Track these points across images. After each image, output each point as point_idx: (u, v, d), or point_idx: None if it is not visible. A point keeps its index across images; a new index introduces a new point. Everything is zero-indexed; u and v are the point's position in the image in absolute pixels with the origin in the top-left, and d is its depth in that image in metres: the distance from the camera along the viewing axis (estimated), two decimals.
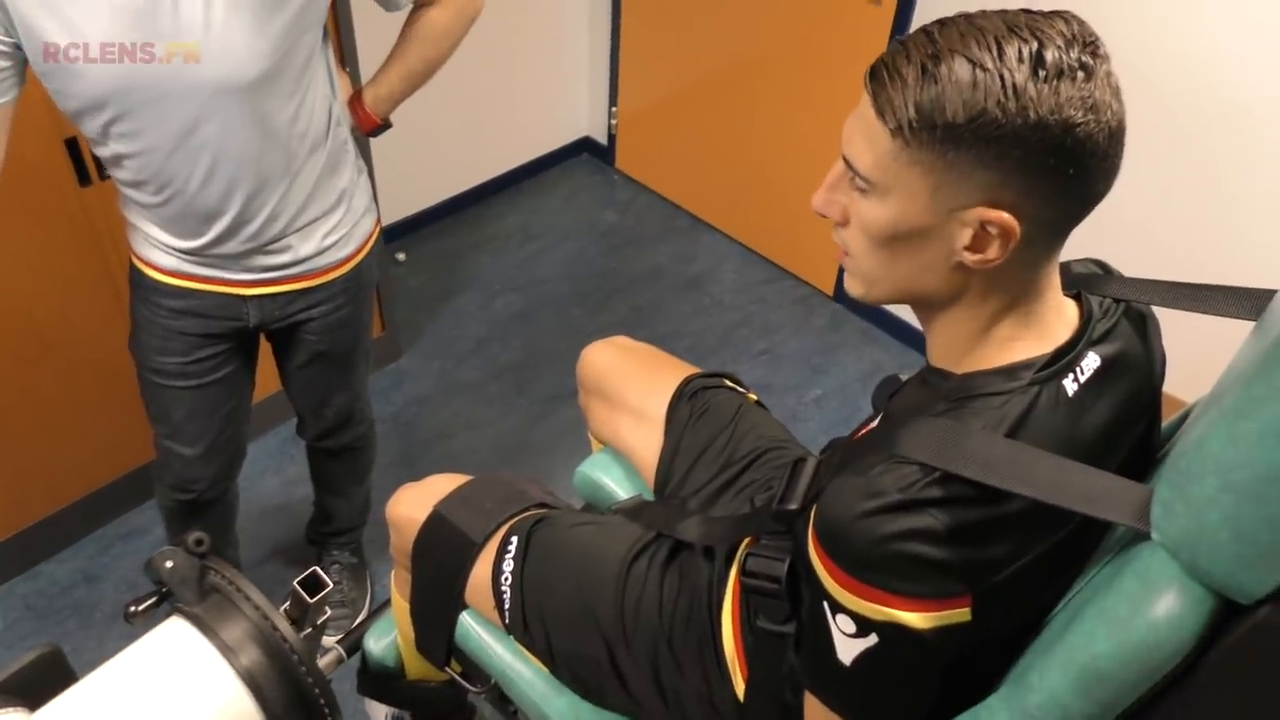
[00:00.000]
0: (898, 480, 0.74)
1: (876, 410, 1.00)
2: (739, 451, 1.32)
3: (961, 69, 0.69)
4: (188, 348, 1.46)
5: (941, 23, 0.74)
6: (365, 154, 2.06)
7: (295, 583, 0.91)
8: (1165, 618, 0.64)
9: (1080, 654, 0.68)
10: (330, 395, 1.68)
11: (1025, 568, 0.77)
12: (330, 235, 1.44)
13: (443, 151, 2.91)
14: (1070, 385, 0.79)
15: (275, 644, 0.92)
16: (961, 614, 0.75)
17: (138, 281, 1.45)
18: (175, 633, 0.93)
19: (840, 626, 0.79)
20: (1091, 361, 0.81)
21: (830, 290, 2.84)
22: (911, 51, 0.72)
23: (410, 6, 1.41)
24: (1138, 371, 0.86)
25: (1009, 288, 0.79)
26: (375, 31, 1.71)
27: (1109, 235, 2.11)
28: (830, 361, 2.65)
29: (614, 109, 3.21)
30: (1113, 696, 0.67)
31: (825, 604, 0.80)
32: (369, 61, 1.78)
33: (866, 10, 2.37)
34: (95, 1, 1.12)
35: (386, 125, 1.53)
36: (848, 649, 0.79)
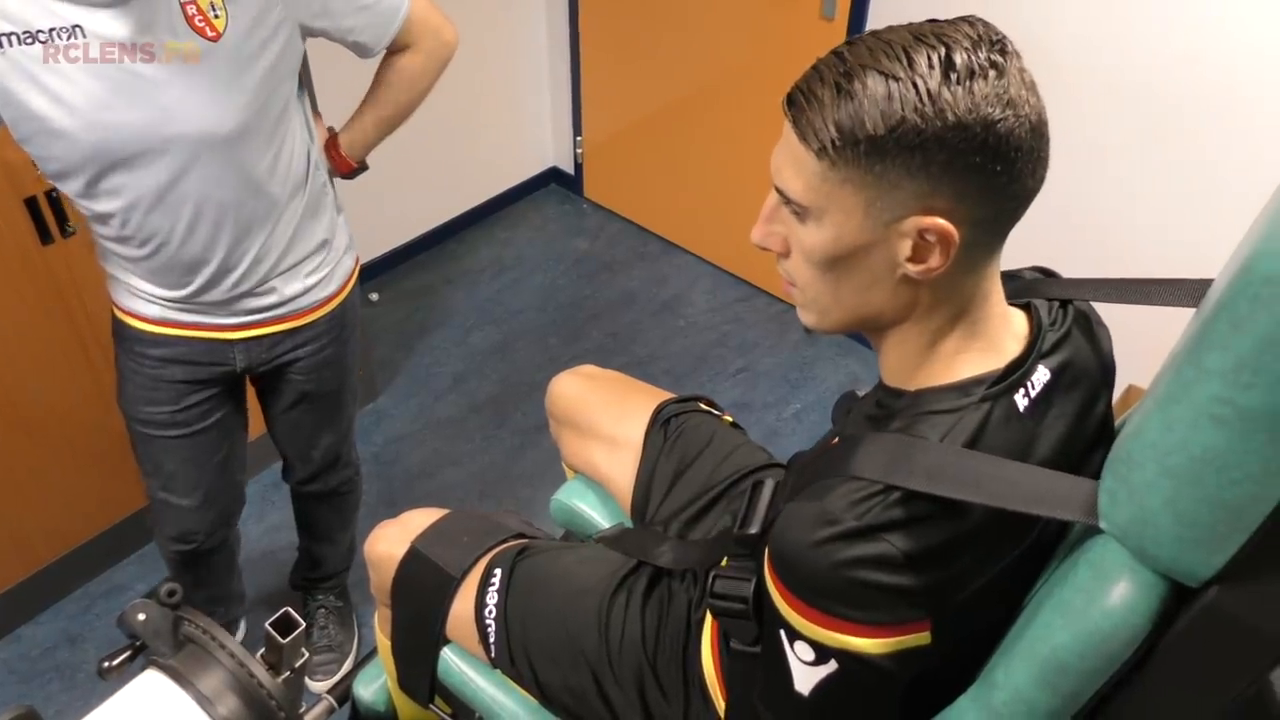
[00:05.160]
0: (851, 505, 0.73)
1: (836, 426, 1.00)
2: (716, 476, 1.32)
3: (875, 82, 0.70)
4: (175, 396, 1.46)
5: (850, 42, 0.74)
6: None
7: (267, 624, 0.90)
8: (1120, 605, 0.65)
9: (1041, 647, 0.69)
10: (318, 436, 1.68)
11: (985, 585, 0.76)
12: (313, 275, 1.46)
13: (411, 189, 2.93)
14: (1021, 400, 0.79)
15: (253, 691, 0.92)
16: (921, 638, 0.74)
17: (121, 333, 1.45)
18: (152, 686, 0.93)
19: (799, 654, 0.78)
20: (1041, 375, 0.81)
21: None
22: (825, 73, 0.73)
23: (383, 53, 1.43)
24: (1090, 378, 0.86)
25: (955, 296, 0.78)
26: (336, 77, 1.72)
27: (1058, 232, 2.15)
28: (807, 376, 2.67)
29: (579, 138, 3.24)
30: (1075, 687, 0.68)
31: (782, 631, 0.79)
32: (328, 105, 1.80)
33: (819, 25, 2.41)
34: (79, 73, 1.13)
35: (363, 168, 1.56)
36: (806, 678, 0.78)
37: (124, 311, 1.42)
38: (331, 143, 1.50)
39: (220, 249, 1.32)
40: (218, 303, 1.39)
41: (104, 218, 1.27)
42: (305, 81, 1.98)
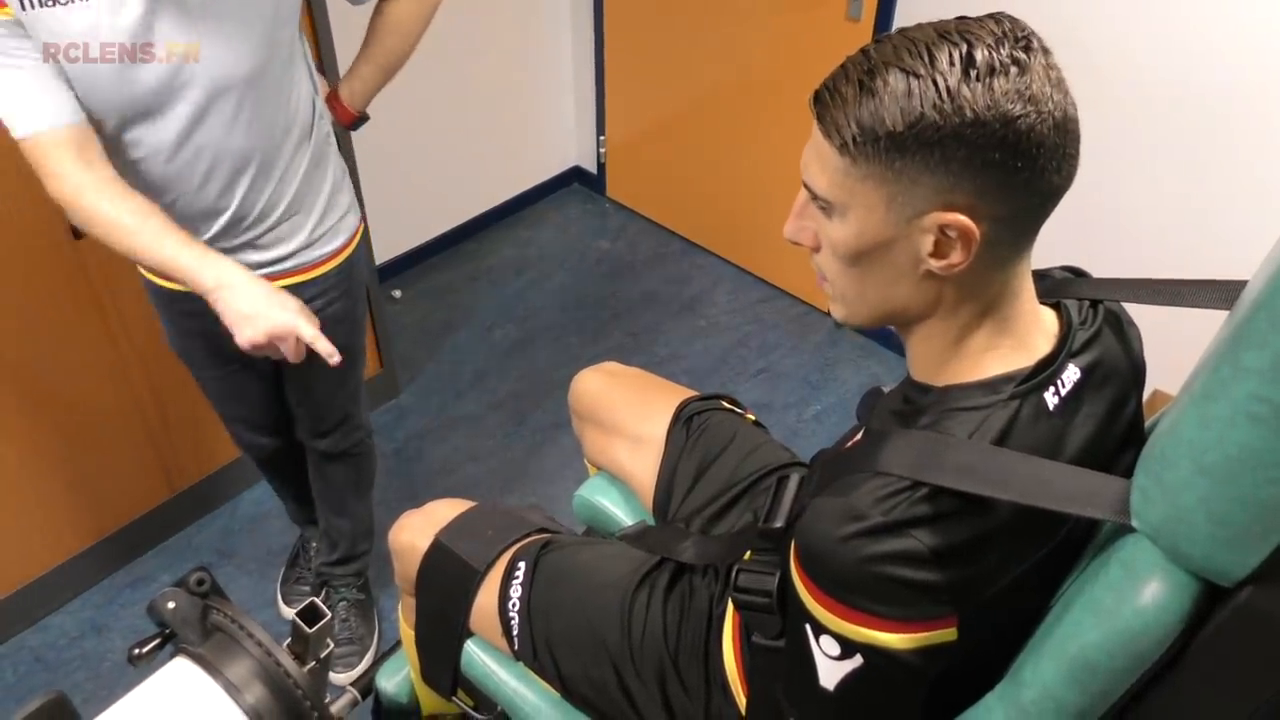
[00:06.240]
0: (878, 501, 0.74)
1: (861, 423, 1.00)
2: (738, 474, 1.32)
3: (896, 79, 0.71)
4: (205, 345, 1.55)
5: (877, 40, 0.75)
6: (357, 191, 2.08)
7: (294, 614, 0.91)
8: (1151, 604, 0.65)
9: (1070, 645, 0.68)
10: (329, 393, 1.70)
11: (1012, 583, 0.76)
12: (317, 229, 1.48)
13: (434, 187, 2.94)
14: (1051, 399, 0.79)
15: (279, 679, 0.93)
16: (947, 634, 0.75)
17: (148, 286, 1.52)
18: (180, 673, 0.94)
19: (824, 649, 0.78)
20: (1072, 374, 0.81)
21: (826, 306, 2.86)
22: (849, 71, 0.74)
23: (375, 1, 1.46)
24: (1120, 377, 0.85)
25: (981, 293, 0.78)
26: (352, 31, 1.73)
27: (1093, 231, 2.13)
28: (828, 377, 2.66)
29: (602, 138, 3.24)
30: (1104, 686, 0.67)
31: (808, 626, 0.79)
32: (346, 61, 1.80)
33: (845, 26, 2.40)
34: (94, 12, 1.16)
35: (364, 118, 1.59)
36: (831, 673, 0.79)
37: (143, 267, 1.47)
38: (333, 94, 1.54)
39: (235, 197, 1.35)
40: (226, 252, 1.40)
41: (122, 168, 1.29)
42: (323, 38, 2.00)
